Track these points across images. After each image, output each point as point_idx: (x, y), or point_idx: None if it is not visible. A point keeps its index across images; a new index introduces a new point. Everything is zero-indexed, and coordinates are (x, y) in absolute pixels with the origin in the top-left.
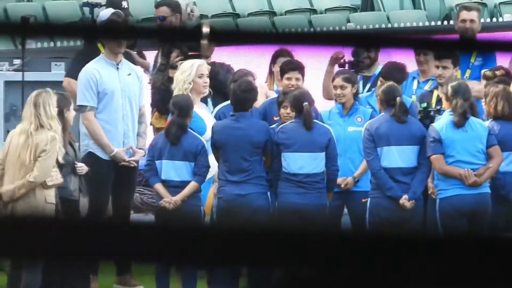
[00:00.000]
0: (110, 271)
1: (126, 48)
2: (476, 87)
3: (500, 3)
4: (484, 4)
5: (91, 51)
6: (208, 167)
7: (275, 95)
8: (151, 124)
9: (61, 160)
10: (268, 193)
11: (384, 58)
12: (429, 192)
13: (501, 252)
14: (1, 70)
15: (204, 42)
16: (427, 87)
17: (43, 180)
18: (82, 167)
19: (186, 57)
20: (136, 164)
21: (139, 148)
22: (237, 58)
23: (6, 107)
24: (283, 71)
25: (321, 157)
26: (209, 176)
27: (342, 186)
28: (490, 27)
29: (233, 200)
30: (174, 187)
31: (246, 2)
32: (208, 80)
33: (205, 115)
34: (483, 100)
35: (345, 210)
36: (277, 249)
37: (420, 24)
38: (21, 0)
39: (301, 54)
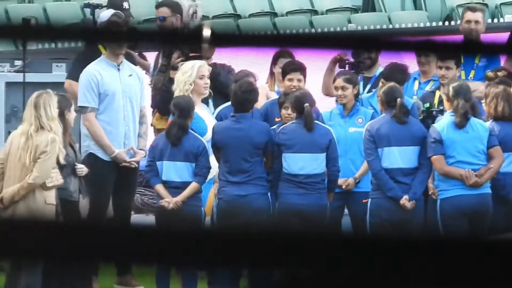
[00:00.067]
0: (110, 272)
1: (127, 49)
2: (480, 87)
3: (502, 3)
4: (485, 5)
5: (92, 52)
6: (209, 168)
7: (276, 96)
8: (152, 125)
9: (62, 161)
10: (269, 194)
11: (385, 59)
12: (430, 193)
13: (501, 252)
14: (2, 71)
15: (205, 45)
16: (428, 87)
17: (43, 181)
18: (82, 169)
19: (187, 58)
20: (136, 165)
21: (140, 149)
22: (237, 59)
23: (7, 108)
24: (285, 72)
25: (321, 158)
26: (209, 177)
27: (343, 187)
28: (491, 27)
29: (233, 200)
30: (174, 188)
31: (247, 3)
32: (208, 81)
33: (206, 116)
34: (484, 100)
35: (346, 210)
36: (277, 250)
37: (421, 25)
38: (22, 1)
39: (302, 55)
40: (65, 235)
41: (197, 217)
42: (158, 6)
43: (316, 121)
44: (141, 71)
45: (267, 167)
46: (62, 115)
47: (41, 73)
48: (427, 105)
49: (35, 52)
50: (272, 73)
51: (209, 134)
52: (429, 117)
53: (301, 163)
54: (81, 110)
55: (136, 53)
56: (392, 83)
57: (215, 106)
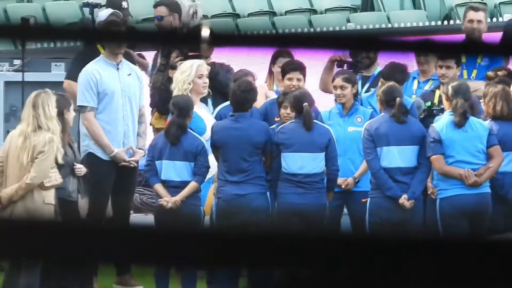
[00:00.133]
0: (109, 271)
1: (126, 48)
2: (482, 87)
3: (500, 3)
4: (484, 4)
5: (91, 52)
6: (208, 167)
7: (275, 96)
8: (151, 124)
9: (60, 161)
10: (268, 193)
11: (384, 58)
12: (429, 192)
13: (501, 252)
14: (1, 71)
15: (204, 45)
16: (427, 87)
17: (41, 181)
18: (80, 169)
19: (186, 58)
20: (136, 165)
21: (139, 148)
22: (236, 58)
23: (6, 108)
24: (284, 72)
25: (320, 157)
26: (209, 176)
27: (343, 186)
28: (490, 27)
29: (232, 200)
30: (174, 187)
31: (246, 2)
32: (207, 80)
33: (205, 115)
34: (482, 100)
35: (345, 210)
36: (276, 250)
37: (420, 24)
38: (21, 0)
39: (301, 54)
40: (63, 235)
41: (196, 217)
42: (156, 5)
43: (315, 121)
44: (140, 70)
45: (266, 166)
46: (61, 115)
47: (40, 73)
48: (429, 103)
49: (34, 51)
50: (271, 73)
51: (208, 134)
52: (430, 116)
53: (300, 162)
54: (80, 109)
55: (136, 53)
56: (391, 83)
57: (214, 106)
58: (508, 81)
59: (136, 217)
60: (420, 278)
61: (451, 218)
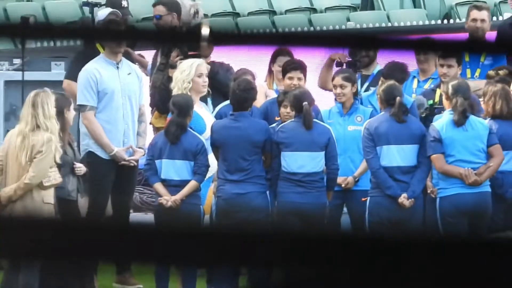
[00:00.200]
0: (109, 270)
1: (125, 47)
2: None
3: (500, 2)
4: (484, 3)
5: (90, 51)
6: (208, 166)
7: (275, 95)
8: (150, 123)
9: (58, 160)
10: (267, 192)
11: (383, 57)
12: (429, 191)
13: (501, 252)
14: (1, 70)
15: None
16: (427, 86)
17: (39, 181)
18: (80, 168)
19: (186, 57)
20: (136, 164)
21: (139, 147)
22: (236, 57)
23: (6, 107)
24: (285, 71)
25: (320, 156)
26: (208, 175)
27: (343, 185)
28: (492, 26)
29: (232, 199)
30: (173, 186)
31: (246, 2)
32: (207, 79)
33: (205, 114)
34: (482, 99)
35: (345, 209)
36: (276, 249)
37: (420, 23)
38: (21, 0)
39: (300, 53)
40: (63, 234)
41: (196, 216)
42: (154, 4)
43: (315, 120)
44: (140, 69)
45: (266, 165)
46: (61, 114)
47: (40, 72)
48: (431, 102)
49: (34, 50)
50: (270, 72)
51: (207, 133)
52: (432, 114)
53: (300, 161)
54: (80, 108)
55: (136, 52)
56: (391, 82)
57: (214, 105)
58: (508, 80)
59: (136, 216)
60: (420, 278)
61: (451, 217)
